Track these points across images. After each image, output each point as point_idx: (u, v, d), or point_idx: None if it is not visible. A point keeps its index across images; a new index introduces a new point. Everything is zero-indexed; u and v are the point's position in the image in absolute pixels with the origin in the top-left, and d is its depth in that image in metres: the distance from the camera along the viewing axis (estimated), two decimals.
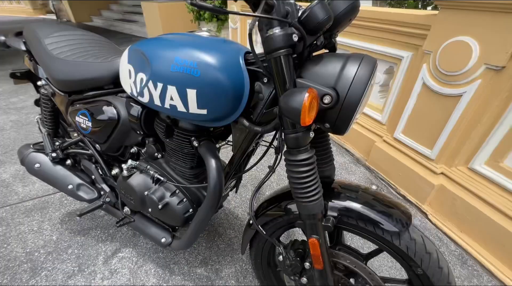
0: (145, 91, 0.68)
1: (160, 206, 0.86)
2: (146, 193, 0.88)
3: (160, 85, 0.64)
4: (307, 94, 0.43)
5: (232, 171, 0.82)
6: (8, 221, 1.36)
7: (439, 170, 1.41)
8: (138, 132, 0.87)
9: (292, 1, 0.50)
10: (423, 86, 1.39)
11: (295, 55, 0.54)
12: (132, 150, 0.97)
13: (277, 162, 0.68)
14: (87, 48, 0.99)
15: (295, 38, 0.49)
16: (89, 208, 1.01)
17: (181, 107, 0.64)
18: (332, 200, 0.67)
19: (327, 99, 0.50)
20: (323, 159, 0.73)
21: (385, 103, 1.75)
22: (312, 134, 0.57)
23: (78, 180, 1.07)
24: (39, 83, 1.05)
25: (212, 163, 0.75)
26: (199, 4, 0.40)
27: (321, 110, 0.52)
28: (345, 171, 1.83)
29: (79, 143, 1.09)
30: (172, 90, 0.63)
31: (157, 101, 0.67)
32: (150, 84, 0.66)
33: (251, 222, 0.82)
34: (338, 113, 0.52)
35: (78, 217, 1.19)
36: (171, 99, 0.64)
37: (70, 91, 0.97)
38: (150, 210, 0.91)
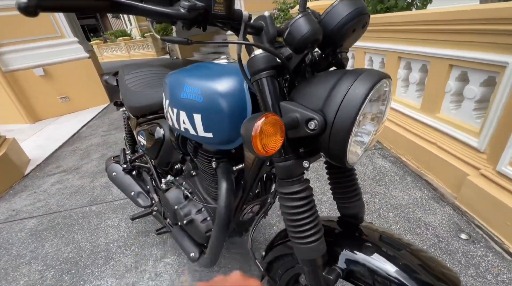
0: (168, 115, 0.76)
1: (185, 221, 0.91)
2: (176, 207, 0.95)
3: (175, 110, 0.71)
4: (261, 120, 0.38)
5: (244, 195, 0.79)
6: (101, 215, 1.74)
7: None
8: (178, 151, 0.97)
9: (266, 15, 0.46)
10: None
11: (287, 76, 0.50)
12: (177, 166, 1.08)
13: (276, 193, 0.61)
14: (150, 80, 1.21)
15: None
16: (140, 214, 1.18)
17: (192, 130, 0.68)
18: (347, 248, 0.54)
19: (312, 125, 0.43)
20: (347, 194, 0.62)
21: (483, 124, 1.32)
22: (306, 164, 0.49)
23: (138, 189, 1.28)
24: (121, 109, 1.35)
25: (223, 185, 0.75)
26: (167, 39, 0.43)
27: (310, 137, 0.44)
28: (420, 208, 1.44)
29: (143, 157, 1.32)
30: (183, 115, 0.68)
31: (176, 124, 0.73)
32: (169, 109, 0.73)
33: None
34: (328, 140, 0.43)
35: (131, 220, 1.37)
36: (183, 122, 0.69)
37: (137, 115, 1.19)
38: (179, 223, 0.98)
